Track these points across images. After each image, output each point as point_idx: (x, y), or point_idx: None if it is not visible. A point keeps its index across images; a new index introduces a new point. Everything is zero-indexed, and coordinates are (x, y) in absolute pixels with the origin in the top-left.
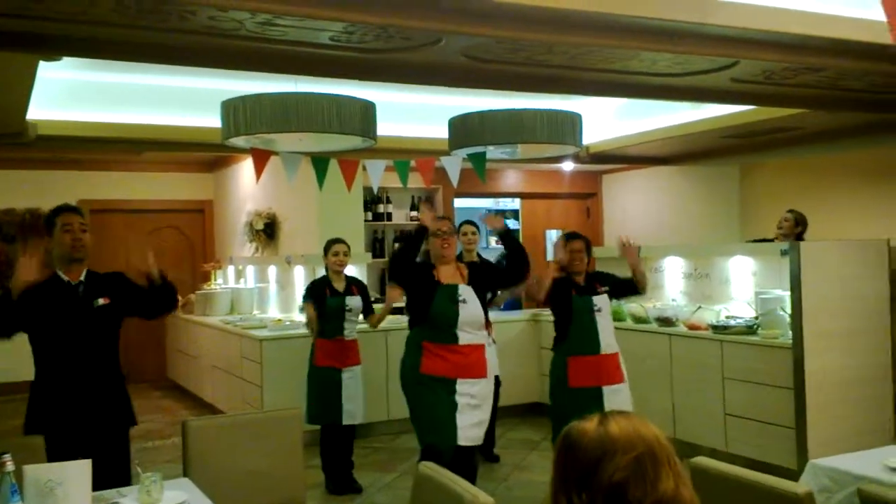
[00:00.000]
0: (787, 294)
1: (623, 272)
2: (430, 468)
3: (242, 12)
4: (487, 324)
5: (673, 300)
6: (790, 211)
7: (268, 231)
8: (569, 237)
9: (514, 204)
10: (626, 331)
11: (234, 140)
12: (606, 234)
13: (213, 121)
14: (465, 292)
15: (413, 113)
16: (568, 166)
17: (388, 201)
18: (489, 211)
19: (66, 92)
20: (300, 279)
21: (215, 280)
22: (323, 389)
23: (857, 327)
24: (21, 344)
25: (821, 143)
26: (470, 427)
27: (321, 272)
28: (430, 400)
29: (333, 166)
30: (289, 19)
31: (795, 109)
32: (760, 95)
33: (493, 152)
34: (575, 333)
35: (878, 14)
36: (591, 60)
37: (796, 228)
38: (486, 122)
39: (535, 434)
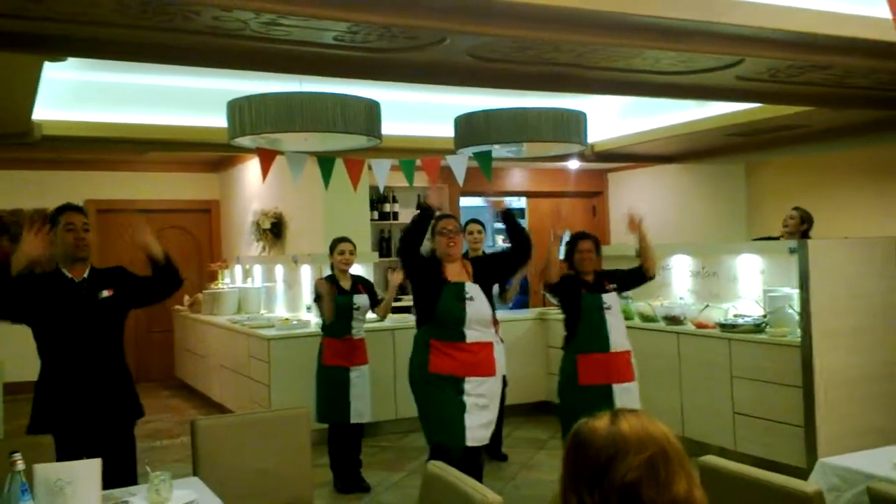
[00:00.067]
0: (795, 292)
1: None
2: (438, 467)
3: (247, 12)
4: (495, 322)
5: (681, 298)
6: (795, 209)
7: (274, 230)
8: (577, 237)
9: (521, 202)
10: (634, 329)
11: (239, 140)
12: (612, 232)
13: (219, 121)
14: (472, 290)
15: (418, 112)
16: (573, 165)
17: (395, 200)
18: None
19: (72, 92)
20: (307, 278)
21: (222, 279)
22: (331, 388)
23: (866, 325)
24: (30, 344)
25: (826, 141)
26: (478, 428)
27: (327, 271)
28: (438, 399)
29: (339, 166)
30: (293, 19)
31: (801, 107)
32: (766, 93)
33: (498, 151)
34: (584, 331)
35: (885, 12)
36: (596, 59)
37: (802, 226)
38: (492, 121)
39: (543, 433)
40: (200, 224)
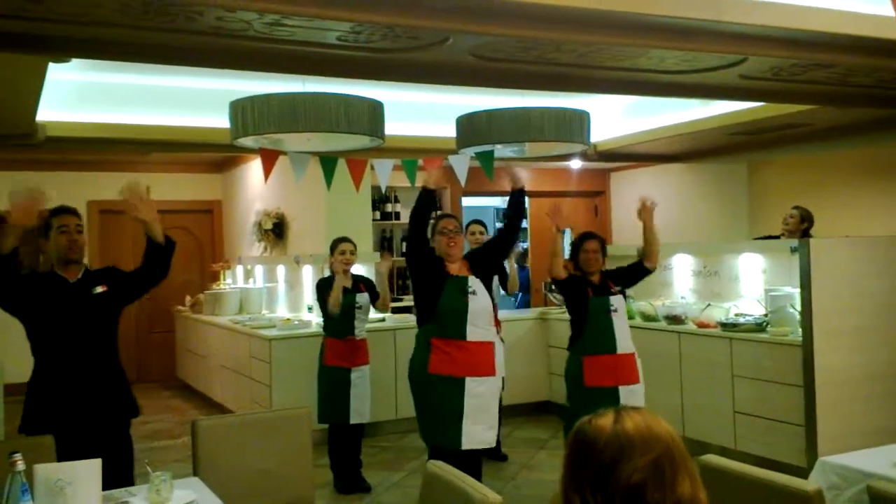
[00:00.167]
0: (796, 291)
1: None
2: (438, 467)
3: (250, 13)
4: (497, 322)
5: (682, 298)
6: (796, 207)
7: (276, 231)
8: (584, 237)
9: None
10: (635, 329)
11: (242, 140)
12: (615, 232)
13: (222, 121)
14: (475, 284)
15: (421, 112)
16: (576, 164)
17: (397, 200)
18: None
19: (75, 93)
20: (309, 279)
21: (224, 280)
22: (332, 389)
23: (868, 324)
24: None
25: (829, 140)
26: (478, 430)
27: (328, 271)
28: (436, 401)
29: (341, 166)
30: (296, 19)
31: (804, 106)
32: (769, 92)
33: (500, 151)
34: (590, 333)
35: (888, 9)
36: (599, 58)
37: (802, 225)
38: (494, 120)
39: (543, 433)
40: (202, 224)
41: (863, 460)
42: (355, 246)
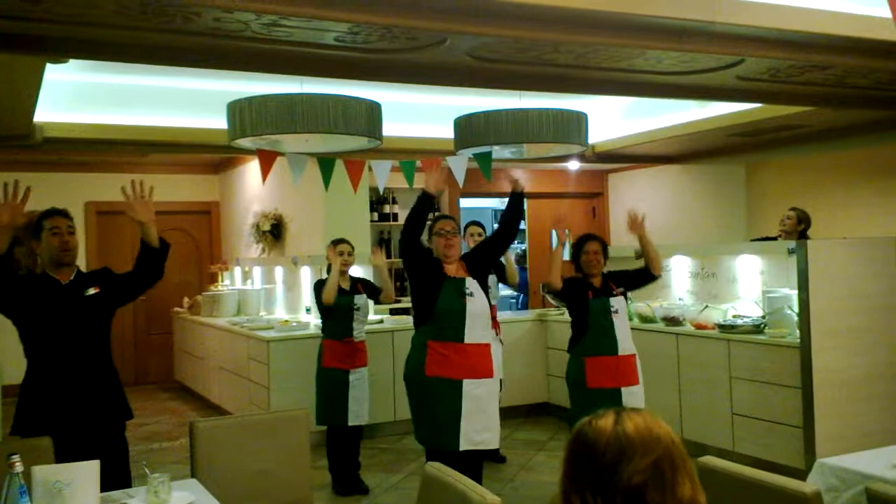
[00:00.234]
0: (794, 293)
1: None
2: (436, 468)
3: (248, 13)
4: (495, 324)
5: (680, 299)
6: (793, 209)
7: (274, 232)
8: (585, 239)
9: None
10: (633, 330)
11: (240, 141)
12: (612, 233)
13: (219, 122)
14: (472, 286)
15: (419, 113)
16: (574, 166)
17: (394, 202)
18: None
19: (73, 94)
20: (307, 280)
21: (222, 281)
22: (330, 391)
23: (865, 326)
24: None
25: (827, 141)
26: (475, 432)
27: (326, 272)
28: (432, 403)
29: (339, 167)
30: (294, 20)
31: (801, 107)
32: (766, 93)
33: (498, 152)
34: (592, 335)
35: (885, 11)
36: (597, 59)
37: (799, 226)
38: (492, 121)
39: (542, 434)
40: (200, 226)
41: (861, 462)
42: (353, 247)
